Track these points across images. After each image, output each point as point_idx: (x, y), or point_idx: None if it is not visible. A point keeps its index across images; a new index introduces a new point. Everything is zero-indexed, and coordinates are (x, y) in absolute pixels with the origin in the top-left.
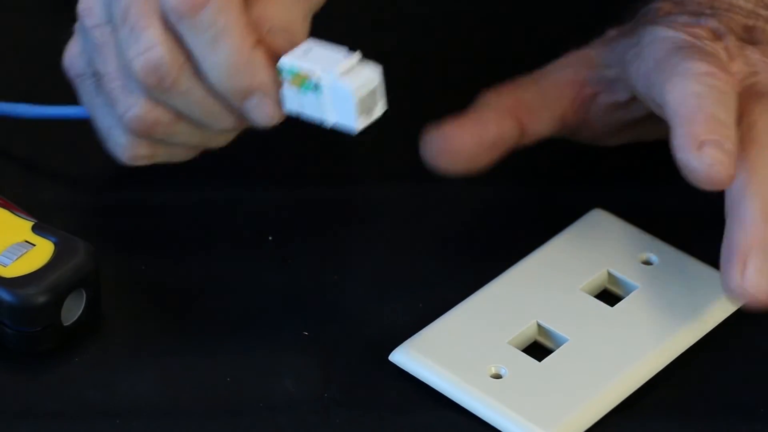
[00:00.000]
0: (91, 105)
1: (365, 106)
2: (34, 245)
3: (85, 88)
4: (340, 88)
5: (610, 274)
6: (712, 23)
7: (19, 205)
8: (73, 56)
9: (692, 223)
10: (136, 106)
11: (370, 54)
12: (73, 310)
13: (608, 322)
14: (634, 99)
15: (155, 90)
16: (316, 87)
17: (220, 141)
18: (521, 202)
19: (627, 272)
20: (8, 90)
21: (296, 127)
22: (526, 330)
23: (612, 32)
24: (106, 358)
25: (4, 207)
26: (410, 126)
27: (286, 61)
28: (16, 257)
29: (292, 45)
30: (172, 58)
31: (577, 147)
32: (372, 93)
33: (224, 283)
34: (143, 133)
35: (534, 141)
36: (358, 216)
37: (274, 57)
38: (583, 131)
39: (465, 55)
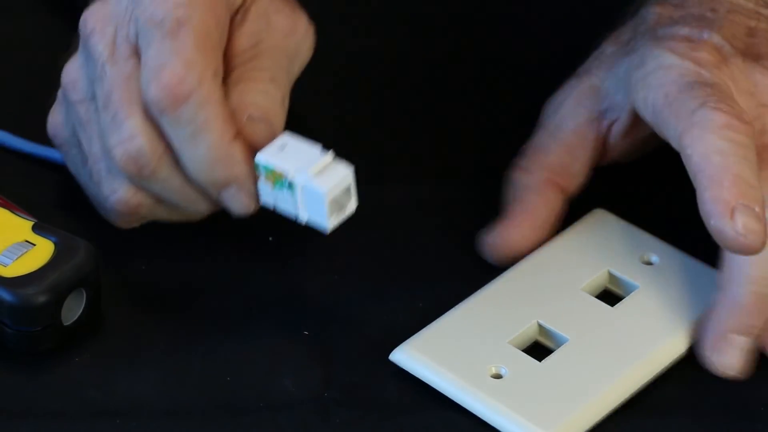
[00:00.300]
0: (78, 173)
1: (337, 205)
2: (35, 245)
3: (70, 158)
4: (313, 189)
5: (610, 274)
6: (716, 39)
7: (19, 205)
8: (56, 126)
9: (692, 223)
10: (120, 191)
11: (367, 54)
12: (73, 310)
13: (608, 322)
14: (639, 120)
15: (134, 178)
16: (290, 185)
17: (199, 217)
18: None
19: (627, 272)
20: (5, 94)
21: (296, 128)
22: (526, 330)
23: (609, 48)
24: (106, 358)
25: (4, 207)
26: (409, 127)
27: (262, 159)
28: (16, 257)
29: (271, 133)
30: (151, 149)
31: None
32: (344, 192)
33: (224, 283)
34: (127, 213)
35: (577, 192)
36: (358, 216)
37: (252, 148)
38: (602, 159)
39: (463, 55)
